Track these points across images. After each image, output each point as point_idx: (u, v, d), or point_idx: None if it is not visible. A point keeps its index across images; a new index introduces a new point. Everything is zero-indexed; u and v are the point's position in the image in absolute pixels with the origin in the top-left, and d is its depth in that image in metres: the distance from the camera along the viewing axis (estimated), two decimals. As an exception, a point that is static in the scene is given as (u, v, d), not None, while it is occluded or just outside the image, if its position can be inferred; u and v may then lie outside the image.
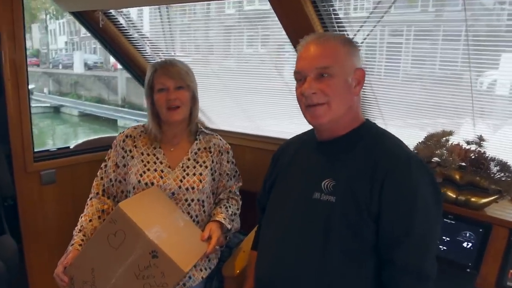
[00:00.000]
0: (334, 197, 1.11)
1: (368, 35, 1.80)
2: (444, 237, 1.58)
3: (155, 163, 1.57)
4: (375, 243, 1.08)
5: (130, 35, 2.43)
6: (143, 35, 2.44)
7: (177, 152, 1.61)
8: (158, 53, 2.51)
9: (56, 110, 20.01)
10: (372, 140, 1.16)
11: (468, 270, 1.50)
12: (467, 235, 1.54)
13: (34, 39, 26.33)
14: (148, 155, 1.58)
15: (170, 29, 2.41)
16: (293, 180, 1.26)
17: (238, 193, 1.74)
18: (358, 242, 1.08)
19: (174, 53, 2.51)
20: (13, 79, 2.03)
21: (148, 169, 1.55)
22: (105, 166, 1.63)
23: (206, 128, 2.77)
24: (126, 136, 1.62)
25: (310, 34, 1.20)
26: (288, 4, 1.63)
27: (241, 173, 1.81)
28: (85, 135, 15.94)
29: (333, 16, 1.71)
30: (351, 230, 1.08)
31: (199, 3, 2.22)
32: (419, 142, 1.79)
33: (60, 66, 23.69)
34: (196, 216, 1.58)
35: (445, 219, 1.58)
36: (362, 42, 1.82)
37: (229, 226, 1.57)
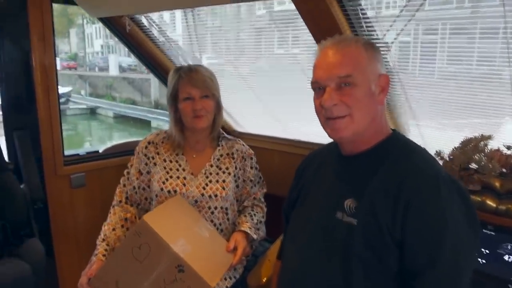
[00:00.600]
0: (356, 220, 1.02)
1: (398, 34, 1.72)
2: (483, 250, 1.47)
3: (177, 170, 1.55)
4: (399, 268, 0.99)
5: (157, 39, 2.44)
6: (169, 38, 2.44)
7: (200, 158, 1.59)
8: (185, 57, 2.51)
9: (92, 112, 20.67)
10: (398, 156, 1.06)
11: (510, 285, 1.39)
12: (509, 247, 1.43)
13: (72, 43, 27.33)
14: (171, 162, 1.57)
15: (196, 32, 2.40)
16: (316, 197, 1.18)
17: (263, 199, 1.69)
18: (381, 267, 0.99)
19: (200, 56, 2.50)
20: (43, 84, 2.07)
21: (171, 176, 1.53)
22: (128, 173, 1.63)
23: (233, 131, 2.76)
24: (149, 143, 1.61)
25: (328, 39, 1.10)
26: (313, 4, 1.57)
27: (269, 177, 1.76)
28: (120, 135, 16.39)
29: (361, 15, 1.64)
30: (374, 255, 0.99)
31: (228, 5, 2.18)
32: (455, 147, 1.69)
33: (96, 69, 24.46)
34: (220, 224, 1.55)
35: (484, 230, 1.47)
36: (392, 42, 1.74)
37: (255, 236, 1.53)
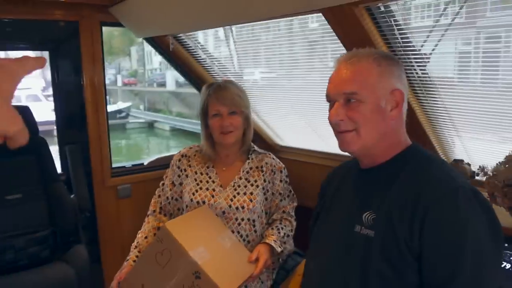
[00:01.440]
0: (373, 232, 1.00)
1: (436, 45, 1.66)
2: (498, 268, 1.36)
3: (207, 182, 1.60)
4: (418, 281, 0.95)
5: (199, 56, 2.54)
6: (210, 55, 2.53)
7: (230, 171, 1.63)
8: (226, 73, 2.58)
9: (150, 126, 21.61)
10: (415, 167, 1.03)
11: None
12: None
13: (133, 61, 28.85)
14: (202, 174, 1.62)
15: (236, 48, 2.46)
16: (337, 212, 1.18)
17: (292, 213, 1.69)
18: (399, 281, 0.96)
19: (242, 71, 2.56)
20: (93, 102, 2.24)
21: (201, 188, 1.59)
22: (163, 184, 1.70)
23: (275, 145, 2.78)
24: (182, 156, 1.68)
25: (343, 53, 1.12)
26: (343, 17, 1.57)
27: (309, 191, 1.74)
28: (175, 148, 16.98)
29: (395, 27, 1.61)
30: (391, 267, 0.96)
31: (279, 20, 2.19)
32: (498, 163, 1.59)
33: (155, 85, 25.58)
34: (247, 235, 1.57)
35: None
36: (430, 54, 1.69)
37: (279, 249, 1.53)
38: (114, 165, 2.41)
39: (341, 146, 1.09)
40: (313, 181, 2.25)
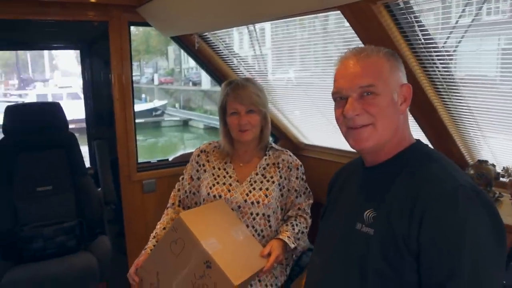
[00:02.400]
0: (373, 230, 1.00)
1: (460, 41, 1.62)
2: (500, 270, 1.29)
3: (224, 177, 1.63)
4: (417, 281, 0.93)
5: (224, 54, 2.58)
6: (235, 53, 2.56)
7: (247, 167, 1.66)
8: (251, 71, 2.61)
9: (185, 124, 22.03)
10: (416, 165, 1.02)
11: None
12: None
13: (170, 60, 29.47)
14: (219, 169, 1.66)
15: (263, 47, 2.48)
16: (340, 209, 1.17)
17: (308, 210, 1.70)
18: (397, 279, 0.95)
19: (267, 70, 2.58)
20: (120, 100, 2.32)
21: (218, 183, 1.62)
22: (182, 179, 1.75)
23: (300, 143, 2.78)
24: (201, 151, 1.72)
25: (348, 50, 1.10)
26: (361, 14, 1.55)
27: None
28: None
29: (415, 24, 1.58)
30: (389, 266, 0.95)
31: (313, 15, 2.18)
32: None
33: (190, 83, 26.02)
34: (262, 230, 1.59)
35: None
36: (454, 50, 1.64)
37: (292, 246, 1.54)
38: (141, 160, 2.49)
39: (356, 143, 1.06)
40: (328, 177, 2.25)
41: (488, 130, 1.75)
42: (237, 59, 2.59)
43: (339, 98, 1.07)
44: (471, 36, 1.59)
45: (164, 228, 1.66)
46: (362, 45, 1.57)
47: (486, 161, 1.74)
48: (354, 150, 2.45)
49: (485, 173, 1.70)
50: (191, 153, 2.65)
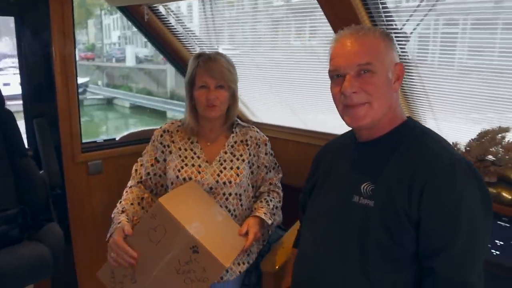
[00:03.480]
0: (373, 202, 1.04)
1: (418, 25, 1.70)
2: (497, 241, 1.46)
3: (192, 158, 1.57)
4: (415, 250, 1.01)
5: (175, 29, 2.45)
6: (187, 28, 2.45)
7: (214, 146, 1.61)
8: (202, 47, 2.52)
9: (109, 102, 20.90)
10: (413, 141, 1.07)
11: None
12: (523, 239, 1.42)
13: (90, 34, 27.56)
14: (186, 150, 1.59)
15: (214, 23, 2.40)
16: (333, 185, 1.20)
17: (279, 184, 1.70)
18: (397, 248, 1.01)
19: (218, 46, 2.51)
20: (62, 73, 2.11)
21: (186, 164, 1.55)
22: (142, 159, 1.66)
23: (248, 121, 2.76)
24: (164, 131, 1.63)
25: (344, 29, 1.11)
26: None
27: (284, 168, 1.77)
28: (135, 126, 16.57)
29: (380, 5, 1.62)
30: (390, 236, 1.01)
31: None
32: (472, 139, 1.67)
33: (113, 60, 24.65)
34: (234, 210, 1.57)
35: (498, 222, 1.47)
36: (411, 33, 1.72)
37: (269, 222, 1.54)
38: (84, 140, 2.31)
39: (353, 121, 1.09)
40: (287, 158, 2.29)
41: (440, 111, 1.87)
42: (188, 34, 2.48)
43: (336, 76, 1.09)
44: (429, 19, 1.68)
45: (131, 204, 1.54)
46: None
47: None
48: (304, 128, 2.54)
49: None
50: (139, 132, 2.57)
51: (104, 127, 16.90)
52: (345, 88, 1.04)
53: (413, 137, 1.08)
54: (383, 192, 1.03)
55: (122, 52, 24.56)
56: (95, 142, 2.39)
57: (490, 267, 1.01)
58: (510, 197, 1.49)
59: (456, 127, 1.90)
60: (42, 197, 1.89)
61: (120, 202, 1.58)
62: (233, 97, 1.59)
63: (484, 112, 1.76)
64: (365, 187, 1.07)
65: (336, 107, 1.12)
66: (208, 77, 1.49)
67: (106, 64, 24.58)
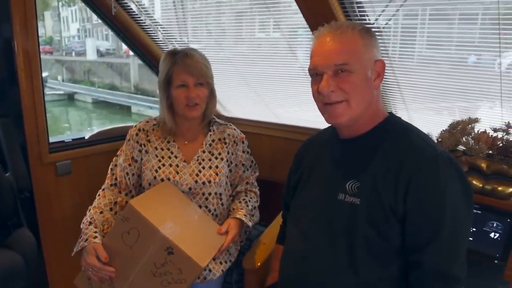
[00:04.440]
0: (359, 199, 1.06)
1: (390, 19, 1.73)
2: (470, 228, 1.52)
3: (169, 157, 1.53)
4: (401, 244, 1.04)
5: (143, 21, 2.38)
6: (155, 21, 2.39)
7: (192, 145, 1.58)
8: (171, 40, 2.46)
9: (70, 98, 20.20)
10: (397, 137, 1.09)
11: (496, 261, 1.46)
12: (494, 225, 1.49)
13: (47, 27, 26.46)
14: (162, 149, 1.55)
15: (183, 15, 2.36)
16: (317, 181, 1.21)
17: (255, 183, 1.70)
18: (384, 243, 1.04)
19: (188, 39, 2.46)
20: (26, 69, 2.00)
21: (163, 165, 1.52)
22: (117, 159, 1.61)
23: (220, 116, 2.74)
24: (139, 130, 1.58)
25: (324, 25, 1.11)
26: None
27: (259, 162, 1.77)
28: (100, 122, 16.09)
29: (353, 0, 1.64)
30: (377, 232, 1.03)
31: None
32: (443, 130, 1.72)
33: (73, 54, 23.81)
34: (215, 209, 1.55)
35: (470, 209, 1.52)
36: (383, 27, 1.75)
37: (250, 224, 1.54)
38: (51, 140, 2.21)
39: (331, 118, 1.10)
40: (262, 152, 2.29)
41: (412, 102, 1.92)
42: (157, 27, 2.41)
43: (315, 74, 1.09)
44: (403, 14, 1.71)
45: (101, 212, 1.50)
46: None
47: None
48: (277, 122, 2.55)
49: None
50: (109, 131, 2.49)
51: (66, 124, 16.31)
52: (322, 88, 1.05)
53: (395, 134, 1.10)
54: (369, 189, 1.05)
55: (82, 46, 23.75)
56: (63, 141, 2.29)
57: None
58: (481, 185, 1.55)
59: (427, 118, 1.95)
60: (9, 201, 1.80)
61: (89, 210, 1.53)
62: (212, 94, 1.56)
63: (450, 102, 1.83)
64: (350, 185, 1.08)
65: (316, 104, 1.13)
66: (186, 75, 1.45)
67: (66, 58, 23.72)
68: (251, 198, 1.63)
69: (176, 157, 1.53)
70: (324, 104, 1.09)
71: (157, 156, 1.53)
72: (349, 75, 1.04)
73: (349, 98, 1.06)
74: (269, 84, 2.43)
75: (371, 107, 1.11)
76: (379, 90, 1.13)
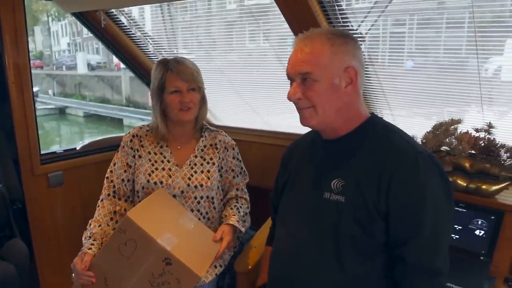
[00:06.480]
0: (344, 197, 1.09)
1: (372, 25, 1.78)
2: (456, 226, 1.56)
3: (162, 162, 1.57)
4: (385, 240, 1.07)
5: (133, 34, 2.42)
6: (145, 33, 2.43)
7: (184, 150, 1.61)
8: (161, 51, 2.50)
9: (61, 112, 20.10)
10: (378, 137, 1.13)
11: (482, 258, 1.50)
12: (479, 223, 1.53)
13: (37, 42, 26.42)
14: (156, 154, 1.58)
15: (172, 27, 2.40)
16: (304, 181, 1.23)
17: (245, 190, 1.73)
18: (368, 240, 1.07)
19: (177, 51, 2.50)
20: (17, 83, 2.03)
21: (156, 168, 1.55)
22: (114, 165, 1.62)
23: (211, 125, 2.77)
24: (133, 136, 1.62)
25: (299, 34, 1.15)
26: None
27: (249, 169, 1.80)
28: (91, 135, 16.01)
29: (336, 7, 1.69)
30: (361, 229, 1.06)
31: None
32: (427, 132, 1.77)
33: (64, 68, 23.76)
34: (206, 213, 1.58)
35: (456, 208, 1.56)
36: (366, 33, 1.80)
37: (243, 230, 1.57)
38: (43, 151, 2.22)
39: (302, 121, 1.16)
40: (251, 159, 2.31)
41: (396, 107, 1.97)
42: (147, 39, 2.45)
43: (290, 80, 1.15)
44: (381, 20, 1.77)
45: (99, 226, 1.51)
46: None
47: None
48: (267, 129, 2.57)
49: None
50: (100, 141, 2.51)
51: (57, 138, 16.22)
52: (288, 95, 1.12)
53: (376, 133, 1.13)
54: (353, 187, 1.08)
55: (72, 60, 23.72)
56: (54, 152, 2.31)
57: (449, 251, 1.08)
58: (465, 184, 1.59)
59: (412, 121, 2.00)
60: (1, 212, 1.81)
61: (90, 224, 1.55)
62: (203, 99, 1.61)
63: (437, 107, 1.87)
64: (335, 183, 1.11)
65: None
66: (180, 81, 1.50)
67: (56, 72, 23.66)
68: (242, 204, 1.66)
69: (168, 161, 1.57)
70: (296, 109, 1.15)
71: (150, 160, 1.56)
72: (313, 83, 1.08)
73: (314, 105, 1.10)
74: (258, 93, 2.48)
75: (342, 112, 1.13)
76: (357, 94, 1.14)
